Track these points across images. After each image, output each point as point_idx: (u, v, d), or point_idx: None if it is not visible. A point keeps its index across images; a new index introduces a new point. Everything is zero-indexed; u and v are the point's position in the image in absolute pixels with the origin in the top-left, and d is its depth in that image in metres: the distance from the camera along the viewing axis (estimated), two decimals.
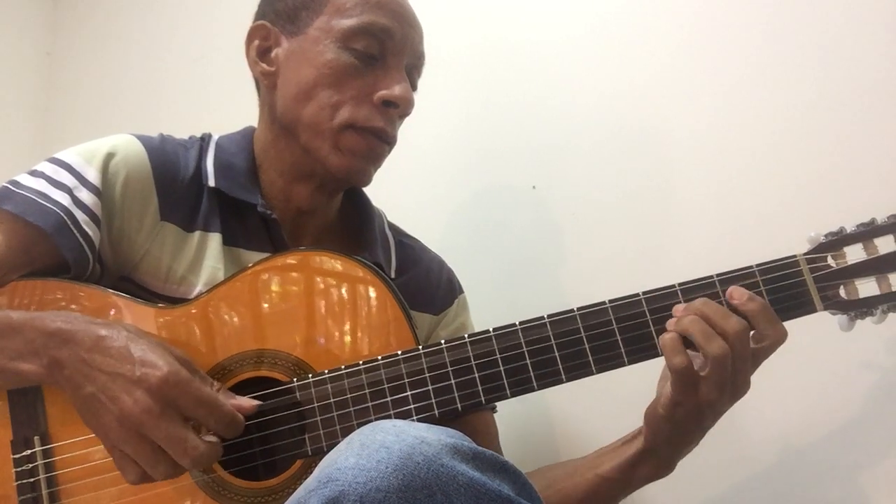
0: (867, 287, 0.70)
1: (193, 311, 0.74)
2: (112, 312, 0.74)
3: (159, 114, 1.67)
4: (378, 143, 0.84)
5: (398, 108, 0.83)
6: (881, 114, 0.89)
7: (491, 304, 1.07)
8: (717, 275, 0.71)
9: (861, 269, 0.70)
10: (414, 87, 0.88)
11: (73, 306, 0.74)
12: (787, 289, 0.70)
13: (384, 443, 0.53)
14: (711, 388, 0.65)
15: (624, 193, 1.08)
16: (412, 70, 0.87)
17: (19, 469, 0.70)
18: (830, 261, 0.71)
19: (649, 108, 1.07)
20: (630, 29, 1.11)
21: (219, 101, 1.51)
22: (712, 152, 1.01)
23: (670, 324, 0.68)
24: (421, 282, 0.94)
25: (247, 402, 0.68)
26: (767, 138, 0.97)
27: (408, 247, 0.97)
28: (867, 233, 0.70)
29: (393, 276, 0.90)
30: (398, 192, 0.98)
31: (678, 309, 0.68)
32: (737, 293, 0.68)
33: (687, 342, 0.66)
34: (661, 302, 0.70)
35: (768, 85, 0.98)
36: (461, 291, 0.99)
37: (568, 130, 1.14)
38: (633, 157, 1.08)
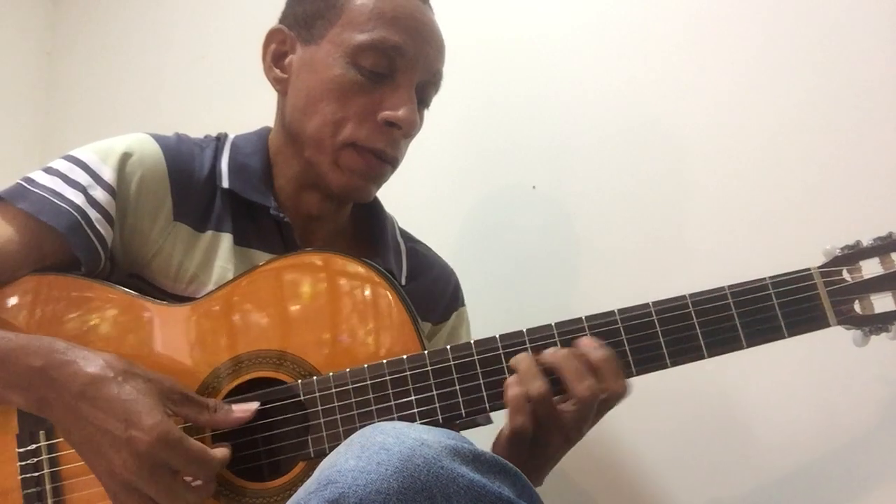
0: (883, 302, 0.69)
1: (198, 309, 0.74)
2: (116, 309, 0.74)
3: (160, 114, 1.67)
4: (378, 163, 0.82)
5: (401, 130, 0.81)
6: None
7: (491, 304, 1.06)
8: (729, 286, 0.70)
9: (877, 284, 0.69)
10: (427, 104, 0.87)
11: (79, 299, 0.74)
12: (800, 302, 0.69)
13: (384, 445, 0.53)
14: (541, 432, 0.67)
15: (625, 194, 1.06)
16: (427, 86, 0.85)
17: (24, 463, 0.70)
18: (846, 275, 0.70)
19: (651, 108, 1.06)
20: (632, 26, 1.09)
21: (219, 101, 1.52)
22: (717, 153, 0.99)
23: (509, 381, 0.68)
24: (428, 291, 0.93)
25: (245, 409, 0.68)
26: (777, 140, 0.94)
27: (420, 254, 0.97)
28: (884, 247, 0.69)
29: (403, 282, 0.90)
30: (397, 192, 0.97)
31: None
32: (585, 341, 0.69)
33: None
34: (670, 312, 0.69)
35: (780, 83, 0.95)
36: (462, 304, 0.98)
37: (569, 130, 1.13)
38: (634, 157, 1.06)
